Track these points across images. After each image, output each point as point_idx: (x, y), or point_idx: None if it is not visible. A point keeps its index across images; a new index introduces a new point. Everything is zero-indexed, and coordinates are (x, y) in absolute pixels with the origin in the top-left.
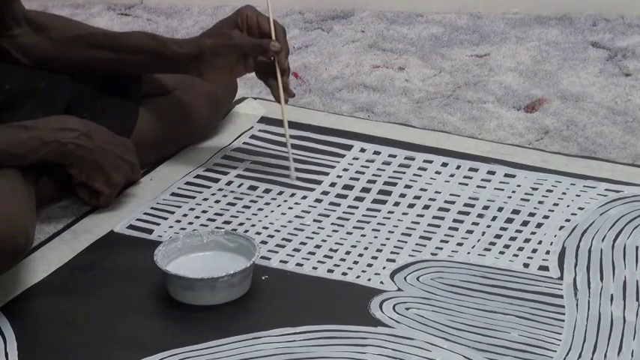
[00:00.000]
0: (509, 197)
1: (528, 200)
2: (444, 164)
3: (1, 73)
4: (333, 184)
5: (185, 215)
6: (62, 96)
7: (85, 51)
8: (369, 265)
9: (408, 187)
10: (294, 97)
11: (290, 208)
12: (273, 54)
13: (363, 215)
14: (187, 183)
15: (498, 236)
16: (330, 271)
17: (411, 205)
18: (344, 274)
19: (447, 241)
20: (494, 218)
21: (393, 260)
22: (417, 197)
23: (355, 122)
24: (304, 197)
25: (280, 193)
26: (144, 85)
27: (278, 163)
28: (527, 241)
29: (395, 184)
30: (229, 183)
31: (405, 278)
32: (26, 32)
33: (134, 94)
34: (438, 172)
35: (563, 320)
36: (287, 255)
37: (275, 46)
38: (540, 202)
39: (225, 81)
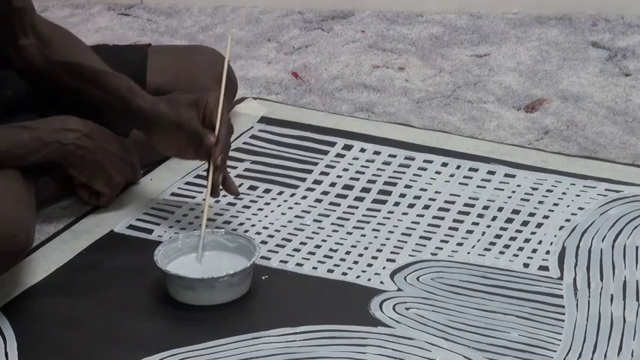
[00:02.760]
0: (509, 197)
1: (528, 200)
2: (444, 164)
3: (4, 79)
4: (333, 184)
5: (185, 215)
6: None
7: (71, 80)
8: (369, 265)
9: (408, 187)
10: (238, 194)
11: (290, 208)
12: (207, 148)
13: (363, 215)
14: (187, 183)
15: (498, 236)
16: (330, 271)
17: (411, 205)
18: (344, 274)
19: (447, 241)
20: (494, 218)
21: (393, 260)
22: (417, 197)
23: (355, 122)
24: (304, 197)
25: (280, 193)
26: (145, 85)
27: (278, 163)
28: (527, 241)
29: (395, 184)
30: None
31: (405, 278)
32: (32, 44)
33: None
34: (438, 172)
35: (563, 320)
36: (287, 255)
37: (209, 139)
38: (540, 202)
39: (172, 155)
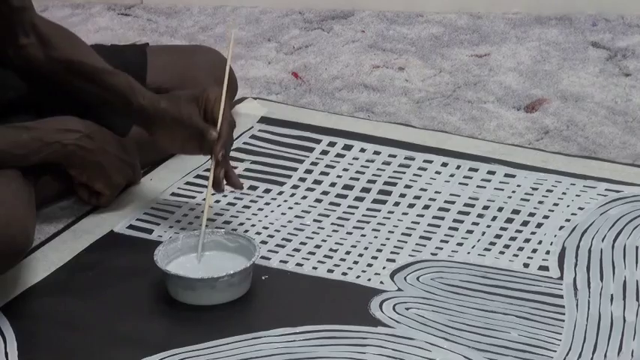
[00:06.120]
0: (509, 197)
1: (528, 200)
2: (444, 164)
3: (5, 80)
4: (333, 184)
5: (185, 215)
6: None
7: (73, 79)
8: (369, 265)
9: (408, 187)
10: (242, 188)
11: (290, 208)
12: (210, 143)
13: (363, 215)
14: (187, 183)
15: (498, 236)
16: (330, 271)
17: (411, 205)
18: (344, 274)
19: (447, 241)
20: (494, 218)
21: (393, 260)
22: (417, 197)
23: (355, 122)
24: (304, 197)
25: (280, 193)
26: (145, 85)
27: (278, 163)
28: (527, 241)
29: (395, 184)
30: None
31: (405, 278)
32: (32, 44)
33: None
34: (438, 172)
35: (563, 320)
36: (287, 255)
37: (212, 134)
38: (540, 202)
39: (176, 152)
